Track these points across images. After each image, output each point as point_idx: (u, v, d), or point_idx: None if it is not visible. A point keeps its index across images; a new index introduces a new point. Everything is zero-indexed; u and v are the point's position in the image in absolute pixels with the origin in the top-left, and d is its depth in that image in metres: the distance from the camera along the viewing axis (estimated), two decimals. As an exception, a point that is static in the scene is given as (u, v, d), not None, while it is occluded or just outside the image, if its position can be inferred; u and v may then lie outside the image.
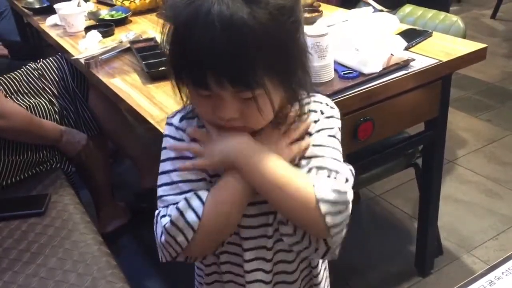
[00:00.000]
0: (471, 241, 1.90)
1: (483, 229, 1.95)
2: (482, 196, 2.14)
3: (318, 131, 0.79)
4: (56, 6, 1.92)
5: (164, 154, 0.81)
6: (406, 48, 1.38)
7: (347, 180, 0.74)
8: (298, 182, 0.72)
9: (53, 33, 1.90)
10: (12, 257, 1.29)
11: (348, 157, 0.80)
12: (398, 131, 1.52)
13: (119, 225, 2.01)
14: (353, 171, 0.78)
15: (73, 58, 1.64)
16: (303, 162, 0.77)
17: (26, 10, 2.23)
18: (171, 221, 0.74)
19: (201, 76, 0.67)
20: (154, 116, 1.23)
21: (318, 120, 0.79)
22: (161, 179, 0.79)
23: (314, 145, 0.77)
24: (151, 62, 1.46)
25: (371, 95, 1.25)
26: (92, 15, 1.99)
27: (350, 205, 0.74)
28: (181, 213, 0.74)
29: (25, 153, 1.59)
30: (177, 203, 0.75)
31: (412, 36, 1.47)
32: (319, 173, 0.74)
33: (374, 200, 2.15)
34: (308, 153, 0.77)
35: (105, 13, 2.00)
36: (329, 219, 0.71)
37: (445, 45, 1.43)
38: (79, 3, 2.01)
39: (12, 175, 1.58)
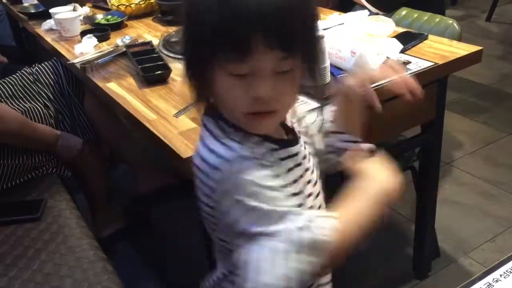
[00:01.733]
0: (468, 243, 1.90)
1: (480, 231, 1.95)
2: (478, 198, 2.14)
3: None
4: (51, 10, 1.91)
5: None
6: (402, 51, 1.38)
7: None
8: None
9: (49, 38, 1.89)
10: (7, 262, 1.29)
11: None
12: (395, 134, 1.52)
13: (115, 229, 1.99)
14: None
15: (68, 62, 1.64)
16: None
17: (21, 15, 2.23)
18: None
19: (244, 42, 0.63)
20: (150, 120, 1.23)
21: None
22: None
23: None
24: (147, 66, 1.46)
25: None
26: (88, 19, 1.99)
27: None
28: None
29: (21, 158, 1.59)
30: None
31: (407, 39, 1.47)
32: None
33: (371, 203, 2.14)
34: None
35: (100, 17, 2.00)
36: None
37: (440, 48, 1.43)
38: (74, 7, 2.01)
39: (8, 180, 1.57)
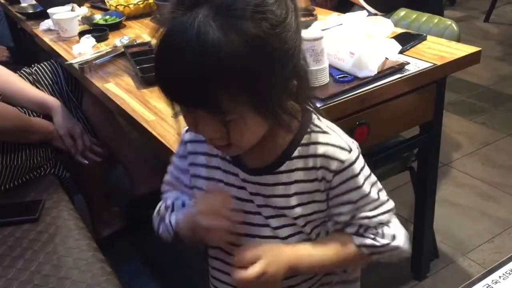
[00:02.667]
0: (467, 244, 1.90)
1: (479, 232, 1.95)
2: (477, 199, 2.14)
3: (343, 182, 0.78)
4: (49, 11, 1.91)
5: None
6: (401, 52, 1.38)
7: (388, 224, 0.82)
8: (343, 251, 0.81)
9: (47, 38, 1.89)
10: (5, 264, 1.28)
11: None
12: (393, 134, 1.52)
13: (114, 230, 1.99)
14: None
15: (67, 63, 1.64)
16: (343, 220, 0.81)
17: (19, 15, 2.22)
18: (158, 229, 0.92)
19: (172, 94, 0.67)
20: (149, 121, 1.23)
21: (337, 172, 0.77)
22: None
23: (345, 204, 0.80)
24: (146, 67, 1.46)
25: (366, 98, 1.25)
26: (86, 19, 1.98)
27: (395, 246, 0.82)
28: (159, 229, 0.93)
29: (20, 159, 1.58)
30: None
31: (406, 39, 1.47)
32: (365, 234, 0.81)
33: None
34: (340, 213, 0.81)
35: (99, 17, 2.00)
36: (373, 257, 0.83)
37: (439, 49, 1.43)
38: (72, 7, 2.00)
39: (6, 181, 1.57)
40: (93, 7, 2.21)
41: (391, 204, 0.83)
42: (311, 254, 0.80)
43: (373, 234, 0.81)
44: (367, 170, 0.79)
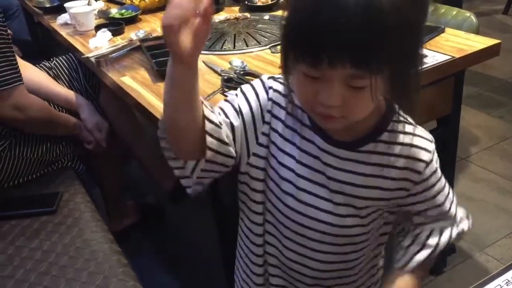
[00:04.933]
0: (484, 239, 1.87)
1: (496, 227, 1.93)
2: (494, 194, 2.12)
3: (434, 185, 0.82)
4: (66, 5, 1.92)
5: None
6: (418, 45, 1.36)
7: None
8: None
9: (63, 32, 1.90)
10: (24, 255, 1.30)
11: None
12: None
13: (129, 224, 2.01)
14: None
15: (83, 56, 1.65)
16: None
17: (36, 9, 2.24)
18: None
19: (321, 53, 0.63)
20: (165, 114, 1.23)
21: (429, 163, 0.80)
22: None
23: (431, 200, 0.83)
24: (161, 60, 1.46)
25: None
26: (102, 13, 1.99)
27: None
28: None
29: (40, 152, 1.60)
30: None
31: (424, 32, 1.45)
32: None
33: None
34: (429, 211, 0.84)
35: (115, 11, 2.00)
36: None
37: (458, 41, 1.41)
38: (89, 1, 2.01)
39: (25, 174, 1.59)
40: (109, 1, 2.22)
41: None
42: None
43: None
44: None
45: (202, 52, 1.54)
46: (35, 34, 2.81)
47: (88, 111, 1.73)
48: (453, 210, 0.85)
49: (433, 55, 1.32)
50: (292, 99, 0.78)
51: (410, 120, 0.80)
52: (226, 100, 0.82)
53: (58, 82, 1.79)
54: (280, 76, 0.80)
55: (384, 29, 0.61)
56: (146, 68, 1.50)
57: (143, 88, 1.38)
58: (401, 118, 0.78)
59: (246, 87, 0.82)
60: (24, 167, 1.58)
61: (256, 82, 0.83)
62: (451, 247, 1.78)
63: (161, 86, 1.38)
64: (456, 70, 1.36)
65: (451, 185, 1.61)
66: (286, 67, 0.72)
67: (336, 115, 0.69)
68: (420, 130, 0.80)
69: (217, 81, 1.34)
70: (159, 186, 1.91)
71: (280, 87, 0.81)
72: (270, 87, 0.81)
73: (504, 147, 2.41)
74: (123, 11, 1.99)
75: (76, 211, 1.45)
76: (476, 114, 2.69)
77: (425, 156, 0.79)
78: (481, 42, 1.39)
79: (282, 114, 0.80)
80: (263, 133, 0.81)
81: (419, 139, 0.79)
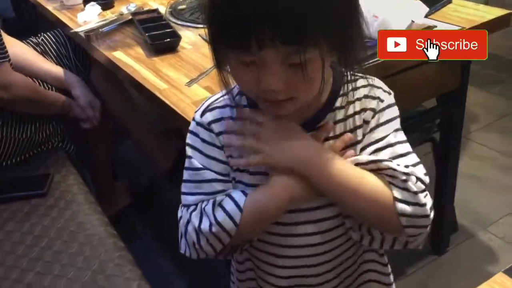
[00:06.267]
0: (486, 217, 1.84)
1: (498, 205, 1.89)
2: (495, 171, 2.08)
3: (380, 125, 0.73)
4: (52, -22, 1.83)
5: (189, 151, 0.76)
6: (425, 16, 1.30)
7: (421, 181, 0.70)
8: (373, 184, 0.69)
9: (50, 7, 1.81)
10: (14, 240, 1.23)
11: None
12: (417, 103, 1.46)
13: (121, 207, 1.95)
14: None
15: (72, 31, 1.56)
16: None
17: (21, -16, 2.14)
18: (210, 228, 0.71)
19: (249, 35, 0.59)
20: (161, 90, 1.16)
21: (377, 111, 0.73)
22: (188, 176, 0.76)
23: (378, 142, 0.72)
24: (155, 34, 1.39)
25: (391, 65, 1.18)
26: (90, -13, 1.90)
27: (427, 209, 0.70)
28: (218, 222, 0.71)
29: (28, 132, 1.53)
30: (211, 203, 0.73)
31: (430, 2, 1.39)
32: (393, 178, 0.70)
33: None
34: (375, 154, 0.72)
35: (104, -16, 1.91)
36: (403, 220, 0.69)
37: (467, 12, 1.35)
38: (76, -26, 1.91)
39: (13, 155, 1.52)
40: (97, -26, 2.12)
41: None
42: (340, 163, 0.70)
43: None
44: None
45: (198, 25, 1.50)
46: (19, 11, 2.70)
47: (81, 88, 1.65)
48: (405, 160, 0.73)
49: (442, 26, 1.26)
50: (233, 96, 0.74)
51: (360, 75, 0.75)
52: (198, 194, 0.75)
53: (46, 59, 1.70)
54: (211, 98, 0.77)
55: (306, 2, 0.58)
56: (139, 42, 1.43)
57: (136, 63, 1.31)
58: (355, 77, 0.74)
59: (193, 160, 0.75)
60: (12, 148, 1.50)
61: (192, 138, 0.76)
62: (454, 226, 1.75)
63: (155, 60, 1.31)
64: (465, 42, 1.30)
65: (456, 161, 1.58)
66: (218, 61, 0.67)
67: (284, 98, 0.65)
68: (376, 81, 0.76)
69: (215, 54, 1.27)
70: (155, 166, 1.84)
71: (217, 112, 0.75)
72: (210, 122, 0.74)
73: (504, 124, 2.37)
74: (113, -16, 1.89)
75: (68, 193, 1.38)
76: (474, 92, 2.64)
77: (373, 104, 0.73)
78: (491, 13, 1.33)
79: (230, 127, 0.75)
80: (228, 157, 0.75)
81: (373, 89, 0.75)
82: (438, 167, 1.61)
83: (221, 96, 0.76)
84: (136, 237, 1.85)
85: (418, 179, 0.69)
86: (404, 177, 0.68)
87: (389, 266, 0.90)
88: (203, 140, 0.75)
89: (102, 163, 1.90)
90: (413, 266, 1.68)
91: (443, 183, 1.60)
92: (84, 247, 1.18)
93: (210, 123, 0.74)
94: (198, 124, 0.75)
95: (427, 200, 0.70)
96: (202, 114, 0.75)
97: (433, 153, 1.65)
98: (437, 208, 1.65)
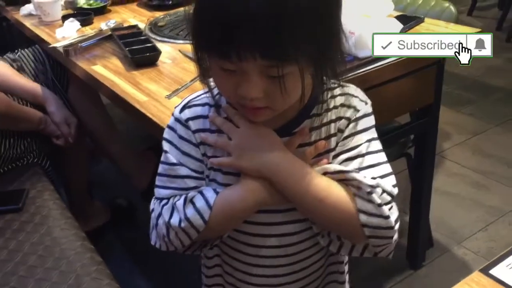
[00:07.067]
0: (461, 233, 1.88)
1: (472, 221, 1.93)
2: (469, 188, 2.13)
3: (353, 134, 0.73)
4: (31, -6, 1.83)
5: (165, 146, 0.77)
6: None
7: (388, 193, 0.70)
8: (338, 194, 0.70)
9: (28, 23, 1.80)
10: (-13, 255, 1.21)
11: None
12: (393, 117, 1.49)
13: (98, 225, 1.92)
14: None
15: (50, 46, 1.56)
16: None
17: (-2, 1, 2.12)
18: (180, 223, 0.73)
19: (229, 46, 0.60)
20: (141, 102, 1.17)
21: (352, 120, 0.74)
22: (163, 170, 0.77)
23: (350, 151, 0.73)
24: (135, 48, 1.40)
25: (367, 79, 1.21)
26: (69, 4, 1.90)
27: (392, 221, 0.71)
28: (187, 218, 0.72)
29: (2, 147, 1.50)
30: (183, 198, 0.74)
31: (403, 21, 1.43)
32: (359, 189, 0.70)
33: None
34: (345, 163, 0.73)
35: (83, 1, 1.92)
36: (367, 231, 0.70)
37: (438, 30, 1.40)
38: (55, -9, 1.92)
39: (-13, 171, 1.49)
40: (76, -8, 2.12)
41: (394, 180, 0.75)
42: (307, 171, 0.70)
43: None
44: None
45: (178, 41, 1.51)
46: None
47: (56, 105, 1.64)
48: (374, 172, 0.73)
49: (415, 43, 1.30)
50: (213, 95, 0.75)
51: (345, 83, 0.77)
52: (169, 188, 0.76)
53: (23, 75, 1.69)
54: (192, 95, 0.79)
55: (286, 18, 0.59)
56: (118, 56, 1.43)
57: (116, 76, 1.31)
58: (333, 85, 0.75)
59: (169, 155, 0.76)
60: (-13, 163, 1.48)
61: (169, 133, 0.77)
62: (429, 241, 1.77)
63: (135, 74, 1.31)
64: (437, 59, 1.34)
65: (431, 176, 1.61)
66: (200, 63, 0.69)
67: (261, 106, 0.67)
68: (353, 89, 0.77)
69: (194, 69, 1.28)
70: (132, 183, 1.83)
71: (195, 109, 0.76)
72: (187, 119, 0.76)
73: (475, 143, 2.44)
74: (92, 1, 1.90)
75: (44, 208, 1.36)
76: (446, 111, 2.70)
77: (348, 113, 0.74)
78: (462, 31, 1.38)
79: (211, 135, 0.76)
80: (203, 155, 0.76)
81: (349, 98, 0.75)
82: (413, 183, 1.64)
83: (202, 94, 0.77)
84: (113, 254, 1.81)
85: (384, 191, 0.70)
86: (369, 189, 0.69)
87: (347, 265, 0.92)
88: (180, 136, 0.76)
89: (78, 180, 1.88)
90: (391, 281, 1.69)
91: (418, 199, 1.63)
92: (60, 262, 1.17)
93: (188, 119, 0.76)
94: (176, 119, 0.77)
95: (392, 212, 0.71)
96: (181, 110, 0.77)
97: (408, 169, 1.68)
98: (412, 223, 1.69)
